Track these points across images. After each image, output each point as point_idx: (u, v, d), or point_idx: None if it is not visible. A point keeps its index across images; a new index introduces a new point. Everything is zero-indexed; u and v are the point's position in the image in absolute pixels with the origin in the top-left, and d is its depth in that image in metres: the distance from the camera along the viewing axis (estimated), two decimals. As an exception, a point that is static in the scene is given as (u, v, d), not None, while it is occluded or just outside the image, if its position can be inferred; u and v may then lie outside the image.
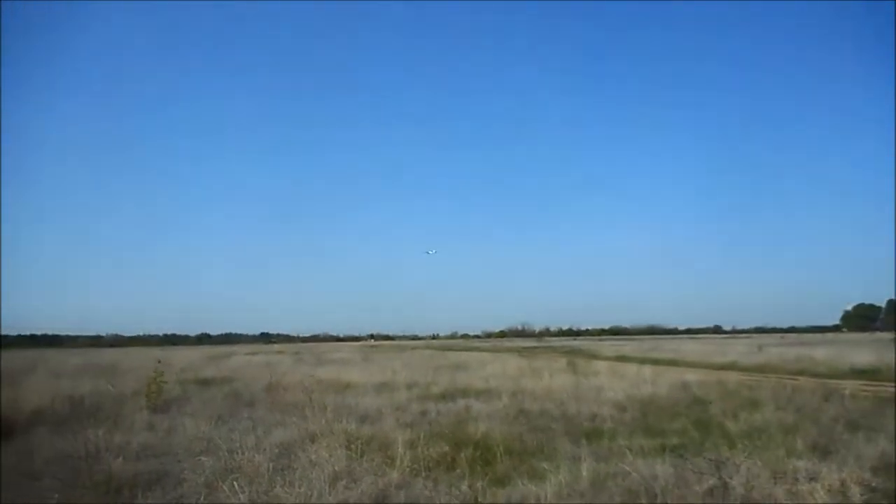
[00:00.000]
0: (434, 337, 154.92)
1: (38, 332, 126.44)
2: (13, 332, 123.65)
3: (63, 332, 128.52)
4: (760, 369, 24.33)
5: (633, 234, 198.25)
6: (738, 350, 37.62)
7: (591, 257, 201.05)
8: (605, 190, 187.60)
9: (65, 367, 25.41)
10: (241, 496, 5.59)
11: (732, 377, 19.57)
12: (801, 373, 21.79)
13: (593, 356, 37.15)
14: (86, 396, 13.53)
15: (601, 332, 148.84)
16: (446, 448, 7.99)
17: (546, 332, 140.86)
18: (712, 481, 6.13)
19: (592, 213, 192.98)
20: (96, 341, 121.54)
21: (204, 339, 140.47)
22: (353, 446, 7.93)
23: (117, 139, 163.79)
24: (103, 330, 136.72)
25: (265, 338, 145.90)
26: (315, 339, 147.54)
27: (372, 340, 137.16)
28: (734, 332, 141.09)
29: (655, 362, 28.36)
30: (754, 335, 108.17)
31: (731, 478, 6.15)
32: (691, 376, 18.67)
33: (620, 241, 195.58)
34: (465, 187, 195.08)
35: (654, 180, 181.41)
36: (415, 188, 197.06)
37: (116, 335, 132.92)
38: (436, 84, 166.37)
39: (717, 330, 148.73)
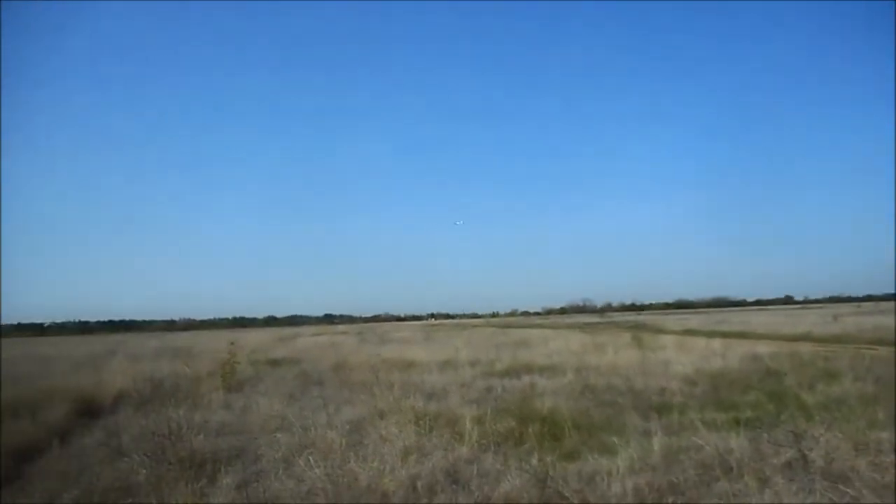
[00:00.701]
0: (494, 315, 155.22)
1: (116, 319, 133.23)
2: (93, 319, 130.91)
3: (139, 318, 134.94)
4: (836, 340, 23.35)
5: (695, 204, 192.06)
6: (810, 321, 36.28)
7: (652, 230, 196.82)
8: (662, 161, 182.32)
9: (143, 351, 26.71)
10: (316, 470, 5.75)
11: (806, 348, 18.88)
12: (879, 342, 20.72)
13: (658, 330, 36.45)
14: (165, 378, 14.19)
15: (666, 307, 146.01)
16: (513, 423, 8.00)
17: (608, 308, 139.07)
18: (790, 454, 5.95)
19: (652, 184, 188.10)
20: (170, 325, 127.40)
21: (271, 322, 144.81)
22: (421, 423, 8.03)
23: (162, 130, 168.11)
24: (176, 314, 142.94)
25: (328, 319, 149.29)
26: (376, 319, 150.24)
27: (432, 319, 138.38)
28: (806, 302, 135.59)
29: (724, 335, 27.57)
30: (828, 305, 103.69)
31: (810, 450, 5.95)
32: (763, 348, 18.08)
33: (681, 212, 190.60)
34: (521, 169, 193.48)
35: (714, 144, 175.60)
36: (474, 170, 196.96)
37: (189, 319, 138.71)
38: (491, 80, 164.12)
39: (787, 301, 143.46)
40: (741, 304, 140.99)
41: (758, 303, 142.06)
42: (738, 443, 6.26)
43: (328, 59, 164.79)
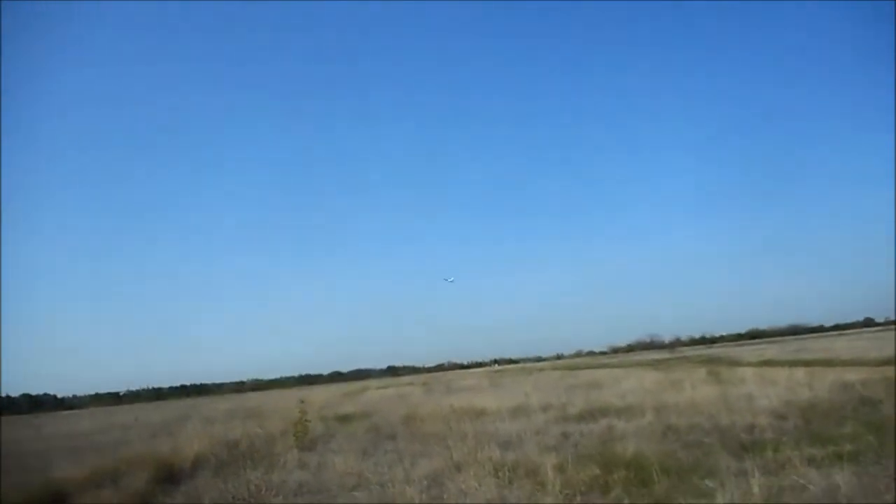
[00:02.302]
0: (558, 357, 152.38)
1: (187, 383, 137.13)
2: (166, 385, 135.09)
3: (208, 381, 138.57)
4: (930, 361, 21.83)
5: (764, 228, 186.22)
6: (898, 343, 34.13)
7: (718, 258, 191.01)
8: (720, 186, 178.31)
9: (215, 414, 27.21)
10: (399, 529, 5.64)
11: (899, 373, 17.71)
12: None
13: (734, 363, 34.99)
14: (239, 439, 14.32)
15: (738, 337, 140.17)
16: (597, 470, 7.70)
17: (677, 342, 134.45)
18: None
19: (714, 209, 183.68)
20: (239, 387, 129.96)
21: (336, 377, 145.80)
22: (500, 474, 7.84)
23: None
24: (244, 375, 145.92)
25: (392, 371, 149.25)
26: (440, 368, 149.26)
27: (496, 365, 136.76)
28: (888, 323, 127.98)
29: (806, 364, 26.18)
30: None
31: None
32: (851, 375, 17.03)
33: (748, 237, 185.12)
34: (576, 200, 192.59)
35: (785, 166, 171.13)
36: (529, 208, 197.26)
37: (256, 379, 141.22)
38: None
39: (868, 323, 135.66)
40: (819, 329, 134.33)
41: (836, 327, 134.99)
42: (843, 479, 5.83)
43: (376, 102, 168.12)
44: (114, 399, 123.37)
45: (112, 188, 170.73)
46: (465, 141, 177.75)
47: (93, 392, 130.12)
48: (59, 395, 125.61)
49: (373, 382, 76.04)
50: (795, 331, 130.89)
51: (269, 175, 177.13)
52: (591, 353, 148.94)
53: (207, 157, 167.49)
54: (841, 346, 40.46)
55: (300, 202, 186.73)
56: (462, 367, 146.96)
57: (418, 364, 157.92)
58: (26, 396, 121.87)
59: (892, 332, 65.14)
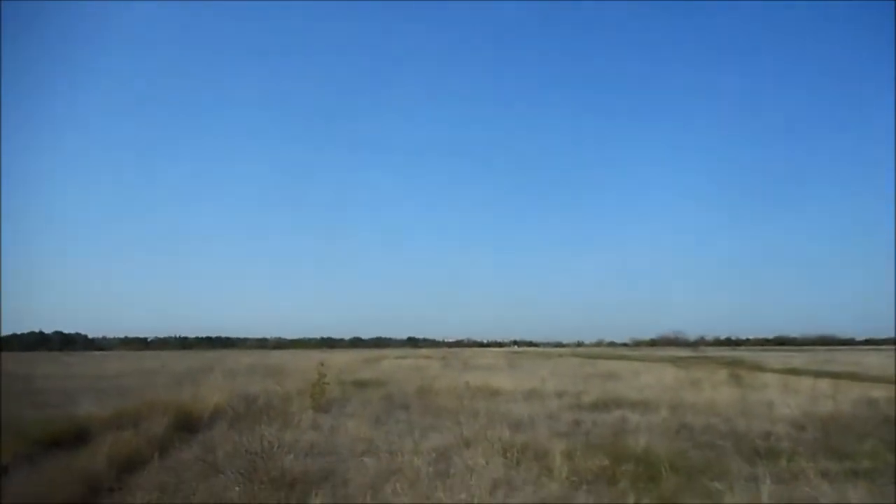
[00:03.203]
0: (579, 344, 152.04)
1: (213, 335, 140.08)
2: (192, 336, 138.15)
3: (234, 335, 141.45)
4: (962, 386, 21.22)
5: (796, 234, 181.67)
6: (928, 363, 33.21)
7: (750, 259, 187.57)
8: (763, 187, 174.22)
9: (238, 368, 27.75)
10: (403, 498, 5.69)
11: (928, 395, 17.26)
12: None
13: (758, 368, 34.39)
14: (257, 395, 14.61)
15: (764, 343, 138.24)
16: (606, 461, 7.66)
17: (702, 342, 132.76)
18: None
19: (754, 210, 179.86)
20: (262, 343, 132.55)
21: (356, 343, 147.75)
22: (508, 454, 7.86)
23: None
24: (268, 333, 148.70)
25: (412, 342, 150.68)
26: (459, 344, 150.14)
27: (515, 346, 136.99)
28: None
29: (833, 376, 25.65)
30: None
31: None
32: (878, 393, 16.64)
33: (781, 241, 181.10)
34: (613, 199, 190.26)
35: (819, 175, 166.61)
36: (558, 193, 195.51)
37: (279, 338, 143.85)
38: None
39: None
40: (849, 342, 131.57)
41: (868, 342, 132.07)
42: (856, 496, 5.71)
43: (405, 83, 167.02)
44: (142, 344, 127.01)
45: (153, 140, 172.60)
46: (500, 116, 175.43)
47: (122, 335, 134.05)
48: (90, 336, 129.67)
49: (392, 352, 76.87)
50: (825, 341, 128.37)
51: (302, 133, 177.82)
52: (612, 344, 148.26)
53: (243, 116, 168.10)
54: (870, 361, 39.55)
55: (333, 164, 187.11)
56: (481, 345, 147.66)
57: (438, 338, 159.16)
58: (59, 334, 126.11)
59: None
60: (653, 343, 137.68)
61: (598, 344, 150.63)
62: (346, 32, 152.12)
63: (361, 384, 19.93)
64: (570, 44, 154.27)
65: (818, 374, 25.92)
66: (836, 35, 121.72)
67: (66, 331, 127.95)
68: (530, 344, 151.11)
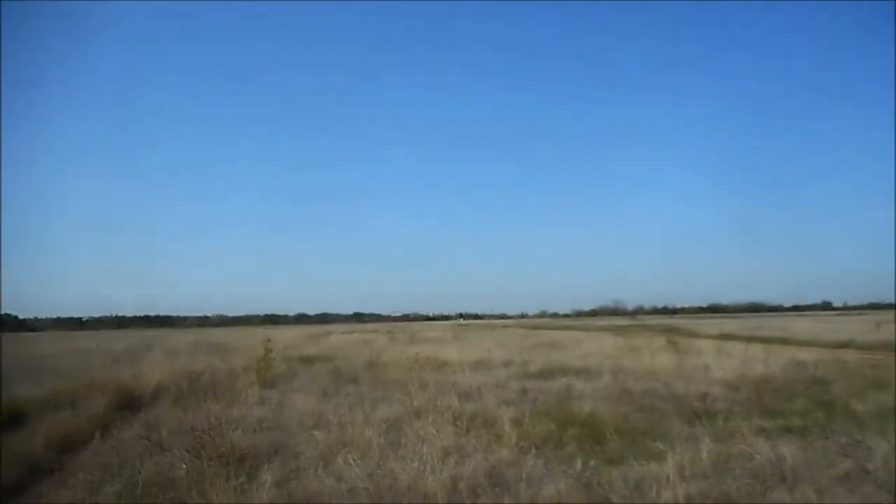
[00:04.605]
0: (523, 316, 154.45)
1: (151, 314, 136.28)
2: (129, 314, 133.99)
3: (173, 314, 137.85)
4: (881, 347, 22.57)
5: (728, 207, 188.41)
6: (853, 327, 35.16)
7: (684, 231, 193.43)
8: (692, 161, 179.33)
9: (179, 346, 27.05)
10: (356, 469, 5.69)
11: (851, 356, 18.30)
12: (926, 350, 19.96)
13: (693, 334, 35.74)
14: (201, 373, 14.29)
15: (699, 310, 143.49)
16: (552, 426, 7.86)
17: (640, 311, 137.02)
18: (847, 464, 5.72)
19: (684, 184, 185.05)
20: (203, 321, 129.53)
21: (301, 319, 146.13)
22: (458, 423, 7.94)
23: (182, 126, 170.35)
24: (209, 311, 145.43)
25: (358, 317, 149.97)
26: (405, 318, 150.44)
27: (461, 319, 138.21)
28: (845, 308, 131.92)
29: (763, 341, 26.89)
30: (868, 311, 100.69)
31: (867, 461, 5.71)
32: (806, 355, 17.58)
33: (715, 214, 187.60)
34: (549, 167, 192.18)
35: (745, 144, 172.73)
36: (501, 168, 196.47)
37: (221, 315, 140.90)
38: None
39: (826, 306, 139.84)
40: (778, 309, 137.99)
41: (795, 308, 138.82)
42: (790, 451, 6.01)
43: (346, 58, 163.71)
44: (76, 324, 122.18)
45: (106, 117, 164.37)
46: (445, 87, 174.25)
47: (55, 316, 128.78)
48: (21, 317, 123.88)
49: (338, 327, 76.29)
50: (755, 308, 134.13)
51: (248, 99, 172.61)
52: (555, 315, 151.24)
53: (205, 87, 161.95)
54: (798, 326, 41.60)
55: (285, 145, 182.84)
56: (427, 318, 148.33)
57: (384, 312, 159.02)
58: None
59: (848, 317, 67.22)
60: (593, 313, 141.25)
61: (542, 315, 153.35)
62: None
63: (308, 359, 19.76)
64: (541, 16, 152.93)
65: (750, 339, 27.08)
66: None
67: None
68: (476, 317, 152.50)
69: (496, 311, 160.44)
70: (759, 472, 5.66)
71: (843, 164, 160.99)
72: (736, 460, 6.05)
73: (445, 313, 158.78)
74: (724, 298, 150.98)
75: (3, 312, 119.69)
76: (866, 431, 6.98)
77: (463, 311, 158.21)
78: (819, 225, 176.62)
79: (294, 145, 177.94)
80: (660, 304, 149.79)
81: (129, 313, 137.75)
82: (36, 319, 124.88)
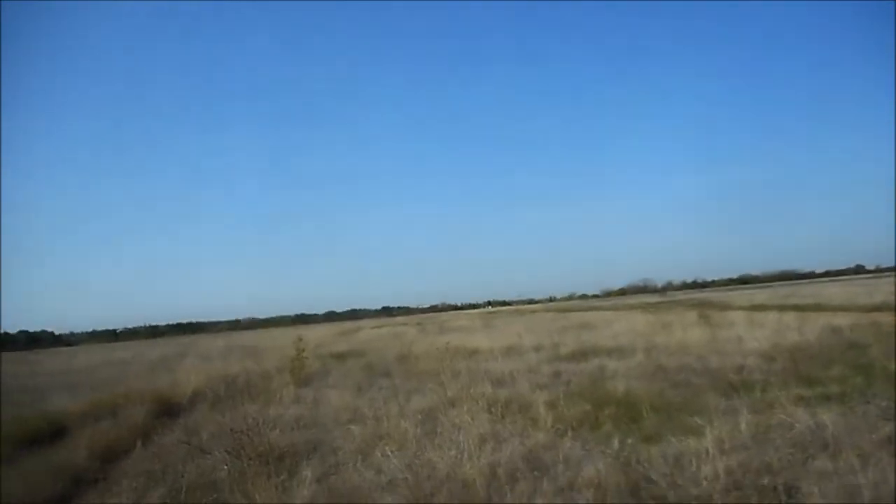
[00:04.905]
0: (551, 299, 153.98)
1: (184, 321, 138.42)
2: (163, 323, 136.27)
3: (205, 320, 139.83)
4: (918, 308, 22.08)
5: (754, 172, 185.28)
6: (887, 289, 34.34)
7: (710, 203, 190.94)
8: (712, 132, 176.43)
9: (212, 351, 27.50)
10: (394, 461, 5.73)
11: (886, 318, 17.89)
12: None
13: (725, 307, 35.29)
14: (236, 376, 14.51)
15: (729, 282, 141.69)
16: (588, 407, 7.84)
17: (670, 287, 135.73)
18: (889, 428, 5.61)
19: (707, 156, 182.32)
20: (235, 325, 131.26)
21: (331, 317, 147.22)
22: (493, 409, 7.96)
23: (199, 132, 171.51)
24: (240, 314, 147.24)
25: (387, 311, 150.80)
26: (434, 309, 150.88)
27: (490, 307, 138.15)
28: (878, 270, 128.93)
29: (796, 308, 26.47)
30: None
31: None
32: (840, 320, 17.24)
33: (739, 184, 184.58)
34: (572, 152, 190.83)
35: (772, 111, 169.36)
36: (523, 152, 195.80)
37: (252, 318, 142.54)
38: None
39: (858, 270, 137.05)
40: (809, 276, 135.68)
41: (826, 274, 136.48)
42: (830, 419, 5.91)
43: (346, 49, 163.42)
44: (111, 336, 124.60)
45: (117, 121, 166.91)
46: (468, 75, 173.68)
47: (90, 329, 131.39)
48: (57, 332, 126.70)
49: (367, 322, 76.84)
50: (786, 276, 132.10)
51: (271, 109, 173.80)
52: (583, 296, 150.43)
53: (216, 91, 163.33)
54: (831, 291, 40.88)
55: (302, 140, 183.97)
56: (456, 308, 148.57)
57: (412, 305, 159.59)
58: (24, 333, 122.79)
59: (882, 279, 65.73)
60: (622, 292, 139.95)
61: (570, 297, 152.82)
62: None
63: (340, 356, 19.94)
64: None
65: (782, 308, 26.70)
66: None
67: (31, 329, 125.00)
68: (504, 303, 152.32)
69: (524, 297, 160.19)
70: (800, 440, 5.58)
71: (870, 123, 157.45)
72: (776, 430, 5.98)
73: (473, 302, 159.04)
74: (755, 269, 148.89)
75: (39, 329, 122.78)
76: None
77: (491, 299, 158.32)
78: (845, 186, 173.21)
79: (309, 140, 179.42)
80: (690, 279, 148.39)
81: (162, 322, 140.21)
82: (72, 334, 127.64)
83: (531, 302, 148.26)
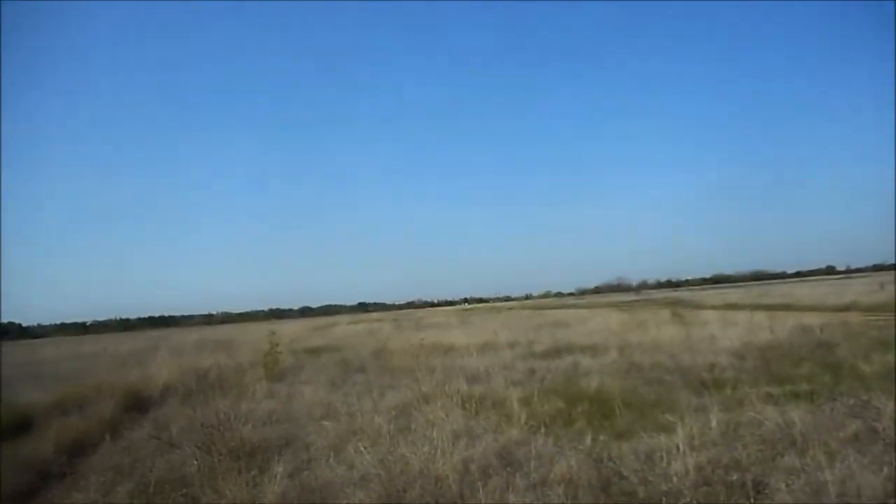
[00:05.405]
0: (527, 297, 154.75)
1: (156, 315, 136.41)
2: (134, 316, 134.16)
3: (177, 313, 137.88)
4: (885, 308, 22.60)
5: (728, 175, 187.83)
6: (856, 290, 35.15)
7: (684, 203, 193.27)
8: (688, 130, 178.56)
9: (184, 345, 27.07)
10: (367, 456, 5.69)
11: (856, 318, 18.32)
12: (931, 309, 19.94)
13: (698, 306, 35.85)
14: (208, 370, 14.31)
15: (703, 282, 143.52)
16: (561, 404, 7.90)
17: (644, 285, 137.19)
18: (856, 426, 5.71)
19: (682, 153, 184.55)
20: (208, 319, 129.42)
21: (306, 312, 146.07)
22: (467, 406, 7.97)
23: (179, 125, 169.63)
24: (213, 308, 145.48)
25: (362, 307, 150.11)
26: (410, 305, 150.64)
27: (466, 304, 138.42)
28: (849, 271, 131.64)
29: (768, 308, 26.94)
30: (873, 273, 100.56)
31: (876, 421, 5.70)
32: (810, 320, 17.56)
33: (714, 183, 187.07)
34: (549, 152, 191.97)
35: (751, 111, 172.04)
36: (500, 151, 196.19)
37: (225, 312, 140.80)
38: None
39: (829, 271, 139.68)
40: (781, 276, 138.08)
41: (798, 274, 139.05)
42: (798, 416, 6.00)
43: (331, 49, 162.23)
44: (80, 329, 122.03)
45: (92, 114, 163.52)
46: (449, 73, 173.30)
47: (59, 322, 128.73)
48: (24, 324, 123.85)
49: (342, 318, 76.39)
50: (759, 276, 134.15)
51: (248, 105, 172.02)
52: (559, 294, 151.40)
53: (188, 84, 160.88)
54: (802, 292, 41.62)
55: (277, 136, 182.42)
56: (432, 305, 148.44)
57: (388, 301, 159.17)
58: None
59: (852, 280, 67.09)
60: (597, 290, 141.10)
61: (546, 295, 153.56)
62: None
63: (315, 351, 19.82)
64: None
65: (754, 308, 27.16)
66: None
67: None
68: (480, 300, 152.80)
69: (500, 294, 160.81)
70: (769, 437, 5.66)
71: (843, 126, 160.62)
72: (745, 428, 6.05)
73: (450, 299, 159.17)
74: (728, 269, 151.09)
75: (5, 321, 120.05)
76: (873, 392, 6.95)
77: (467, 296, 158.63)
78: (819, 189, 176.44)
79: (286, 137, 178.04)
80: (664, 278, 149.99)
81: (133, 315, 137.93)
82: (39, 326, 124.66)
83: (508, 299, 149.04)
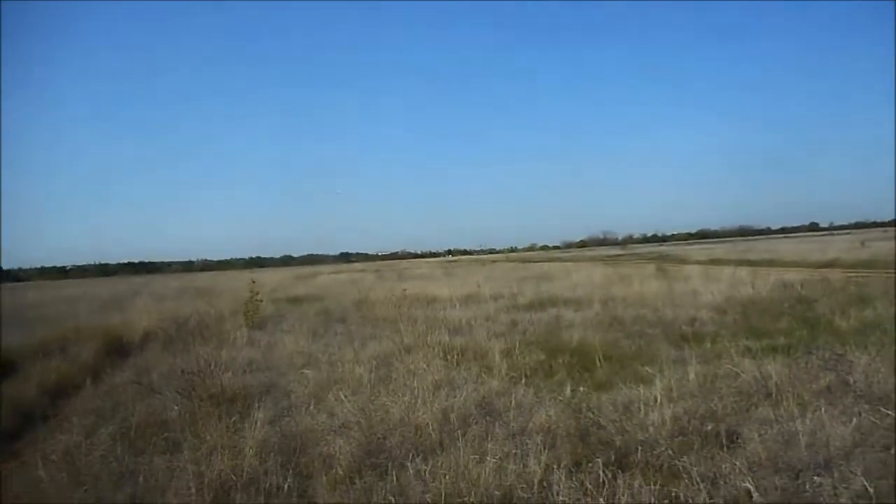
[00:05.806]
0: (512, 250, 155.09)
1: (136, 261, 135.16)
2: (113, 261, 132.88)
3: (158, 260, 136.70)
4: (866, 265, 22.91)
5: (716, 131, 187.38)
6: (838, 247, 35.55)
7: (672, 158, 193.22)
8: (681, 86, 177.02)
9: (165, 291, 27.04)
10: (347, 405, 5.72)
11: (836, 275, 18.52)
12: (909, 266, 20.21)
13: (683, 261, 36.14)
14: (189, 317, 14.28)
15: (688, 237, 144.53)
16: (542, 356, 7.96)
17: (630, 240, 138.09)
18: (829, 378, 5.81)
19: (671, 110, 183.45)
20: (189, 266, 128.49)
21: (287, 261, 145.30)
22: (448, 357, 8.01)
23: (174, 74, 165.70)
24: (194, 255, 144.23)
25: (345, 257, 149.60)
26: (394, 256, 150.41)
27: (450, 256, 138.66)
28: (832, 228, 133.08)
29: (751, 264, 27.23)
30: (855, 231, 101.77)
31: (848, 374, 5.79)
32: (792, 276, 17.77)
33: (702, 139, 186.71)
34: (538, 107, 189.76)
35: (736, 75, 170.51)
36: (490, 105, 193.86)
37: (206, 260, 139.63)
38: None
39: (813, 227, 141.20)
40: (766, 232, 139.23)
41: (782, 230, 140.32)
42: (774, 369, 6.10)
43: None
44: (60, 273, 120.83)
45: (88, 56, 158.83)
46: (429, 23, 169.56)
47: (39, 265, 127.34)
48: (3, 267, 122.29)
49: (325, 268, 76.30)
50: (744, 232, 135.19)
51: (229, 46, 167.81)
52: (544, 248, 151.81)
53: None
54: (785, 248, 42.03)
55: (262, 85, 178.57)
56: (416, 256, 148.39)
57: (372, 252, 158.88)
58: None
59: (835, 237, 67.82)
60: (583, 244, 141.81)
61: (531, 248, 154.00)
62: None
63: (296, 300, 19.82)
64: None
65: (738, 263, 27.41)
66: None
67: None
68: (465, 252, 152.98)
69: (485, 247, 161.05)
70: (745, 389, 5.76)
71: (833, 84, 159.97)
72: (722, 380, 6.14)
73: (434, 251, 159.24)
74: (714, 224, 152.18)
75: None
76: (848, 346, 7.06)
77: (452, 248, 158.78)
78: (805, 145, 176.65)
79: (281, 94, 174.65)
80: (650, 233, 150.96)
81: (114, 260, 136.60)
82: (20, 270, 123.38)
83: (493, 252, 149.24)
